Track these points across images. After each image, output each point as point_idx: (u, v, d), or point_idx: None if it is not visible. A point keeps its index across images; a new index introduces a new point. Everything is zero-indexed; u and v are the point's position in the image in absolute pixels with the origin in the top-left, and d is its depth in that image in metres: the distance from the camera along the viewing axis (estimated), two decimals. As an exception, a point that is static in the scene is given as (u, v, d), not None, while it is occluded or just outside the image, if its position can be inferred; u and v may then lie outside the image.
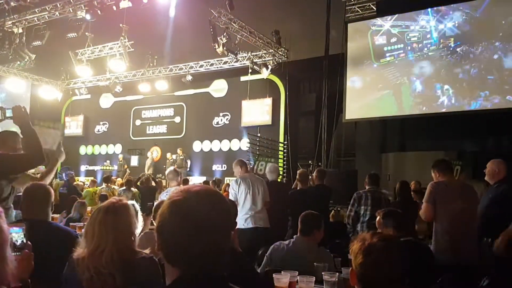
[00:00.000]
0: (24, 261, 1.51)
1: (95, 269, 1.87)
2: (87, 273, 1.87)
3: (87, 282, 1.86)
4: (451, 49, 9.71)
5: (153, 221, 4.34)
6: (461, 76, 9.57)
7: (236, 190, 5.11)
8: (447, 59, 9.74)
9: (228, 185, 7.48)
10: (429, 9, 10.09)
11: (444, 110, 9.66)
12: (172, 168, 6.77)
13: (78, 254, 1.95)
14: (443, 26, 9.90)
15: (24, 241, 1.54)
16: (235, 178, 5.25)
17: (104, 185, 9.69)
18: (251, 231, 4.94)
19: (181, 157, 13.84)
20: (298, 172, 6.06)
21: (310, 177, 6.10)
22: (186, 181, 9.53)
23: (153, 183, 8.92)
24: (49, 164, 3.08)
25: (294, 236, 3.21)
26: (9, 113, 2.67)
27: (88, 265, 1.88)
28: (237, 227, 5.05)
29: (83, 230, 5.20)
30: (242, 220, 5.02)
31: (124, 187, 8.87)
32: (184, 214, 1.06)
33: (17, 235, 1.56)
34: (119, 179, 12.29)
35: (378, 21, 10.75)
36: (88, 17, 10.30)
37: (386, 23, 10.62)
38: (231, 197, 5.11)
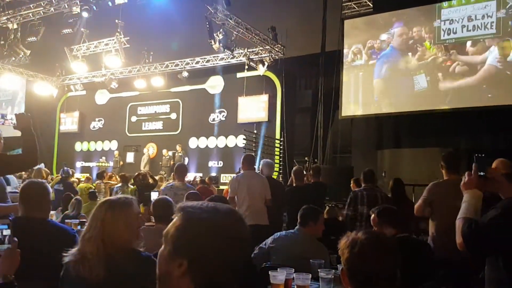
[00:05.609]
0: (9, 258, 1.49)
1: (82, 252, 1.86)
2: (77, 256, 1.86)
3: (73, 264, 1.86)
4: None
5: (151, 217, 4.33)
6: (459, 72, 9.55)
7: (236, 187, 5.09)
8: (444, 56, 9.69)
9: None
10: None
11: (441, 107, 9.65)
12: (183, 162, 6.66)
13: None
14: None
15: (10, 237, 1.52)
16: (234, 175, 5.22)
17: (98, 182, 9.66)
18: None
19: (180, 154, 13.80)
20: (293, 169, 6.05)
21: (305, 173, 6.11)
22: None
23: (151, 180, 8.85)
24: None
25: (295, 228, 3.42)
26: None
27: (79, 248, 1.89)
28: None
29: (79, 227, 5.19)
30: None
31: (120, 184, 8.84)
32: (227, 235, 1.06)
33: (2, 231, 1.55)
34: (114, 175, 12.24)
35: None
36: (85, 14, 10.25)
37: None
38: (230, 193, 5.10)
